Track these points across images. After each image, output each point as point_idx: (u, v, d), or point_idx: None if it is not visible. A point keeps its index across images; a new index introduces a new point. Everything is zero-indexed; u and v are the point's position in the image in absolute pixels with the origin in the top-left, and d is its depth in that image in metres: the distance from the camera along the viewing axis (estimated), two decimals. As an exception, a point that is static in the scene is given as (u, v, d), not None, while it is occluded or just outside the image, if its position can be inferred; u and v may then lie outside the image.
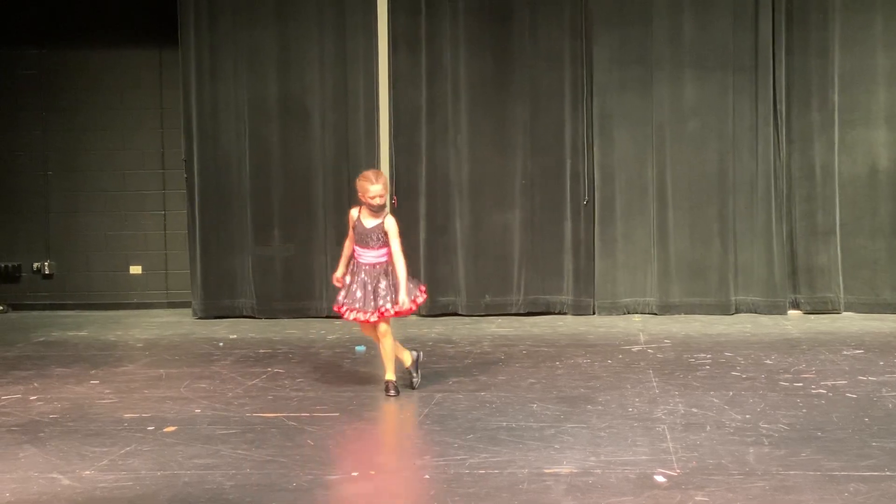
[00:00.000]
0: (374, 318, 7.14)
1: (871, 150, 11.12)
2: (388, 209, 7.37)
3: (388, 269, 7.19)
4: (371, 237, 7.19)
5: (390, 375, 7.27)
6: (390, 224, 7.22)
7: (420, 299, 7.33)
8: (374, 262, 7.19)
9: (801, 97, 11.15)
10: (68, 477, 5.32)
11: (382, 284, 7.14)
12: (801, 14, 11.12)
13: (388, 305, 7.12)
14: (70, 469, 5.46)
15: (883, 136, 11.10)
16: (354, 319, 7.22)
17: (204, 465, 5.50)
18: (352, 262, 7.31)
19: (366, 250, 7.20)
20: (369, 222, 7.21)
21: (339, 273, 7.36)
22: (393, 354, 7.32)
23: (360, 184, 7.21)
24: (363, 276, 7.18)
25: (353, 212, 7.33)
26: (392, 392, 7.17)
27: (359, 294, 7.16)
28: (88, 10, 12.12)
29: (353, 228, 7.29)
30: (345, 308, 7.22)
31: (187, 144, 11.61)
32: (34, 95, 12.27)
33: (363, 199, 7.22)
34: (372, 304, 7.13)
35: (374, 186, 7.16)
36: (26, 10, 12.17)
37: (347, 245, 7.41)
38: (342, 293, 7.27)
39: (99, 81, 12.22)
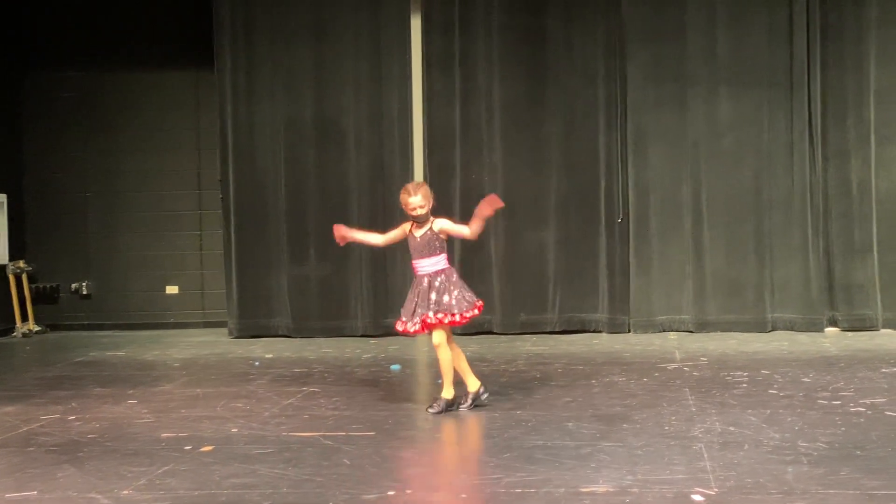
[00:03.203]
0: (414, 328, 7.13)
1: (909, 165, 11.04)
2: (431, 215, 7.33)
3: (442, 277, 7.16)
4: (424, 247, 7.19)
5: (445, 393, 7.23)
6: (441, 223, 7.23)
7: (470, 314, 7.25)
8: (432, 270, 7.17)
9: (836, 113, 11.09)
10: (107, 497, 5.35)
11: (433, 295, 7.13)
12: (837, 29, 11.08)
13: (431, 313, 7.10)
14: (108, 489, 5.49)
15: (920, 151, 11.02)
16: (402, 332, 7.23)
17: (241, 484, 5.51)
18: (413, 281, 7.30)
19: (421, 261, 7.21)
20: (419, 232, 7.23)
21: (347, 231, 7.44)
22: (450, 369, 7.26)
23: (402, 197, 7.24)
24: (417, 288, 7.18)
25: (406, 226, 7.34)
26: (435, 409, 7.15)
27: (409, 306, 7.17)
28: (127, 33, 12.29)
29: (409, 243, 7.29)
30: (398, 322, 7.25)
31: (223, 164, 11.70)
32: (74, 117, 12.44)
33: (407, 212, 7.24)
34: (417, 312, 7.13)
35: (413, 198, 7.17)
36: (67, 33, 12.34)
37: (384, 235, 7.45)
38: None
39: (137, 103, 12.37)
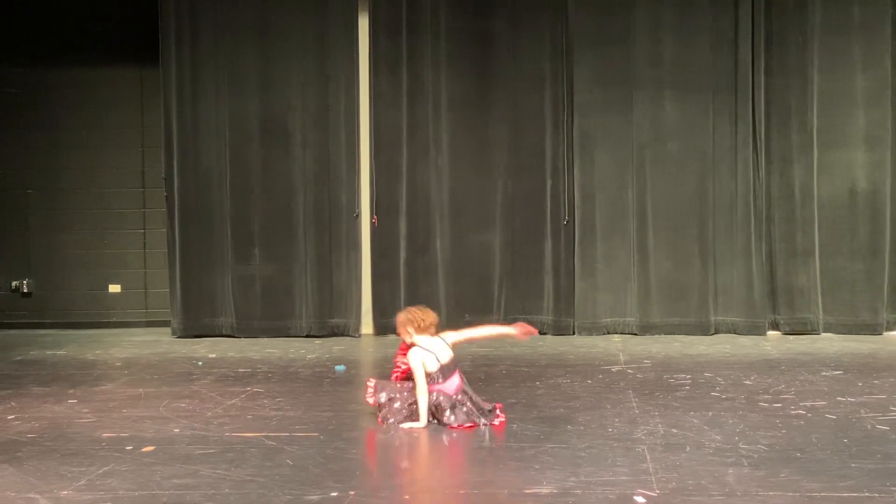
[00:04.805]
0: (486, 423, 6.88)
1: (850, 171, 11.19)
2: (410, 340, 7.01)
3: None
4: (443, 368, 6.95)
5: None
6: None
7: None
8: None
9: (780, 118, 11.22)
10: (46, 497, 5.28)
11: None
12: (781, 36, 11.20)
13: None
14: (48, 489, 5.42)
15: (861, 157, 11.17)
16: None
17: (182, 485, 5.47)
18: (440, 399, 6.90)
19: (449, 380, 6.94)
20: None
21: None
22: None
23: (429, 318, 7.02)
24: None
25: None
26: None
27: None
28: (71, 29, 12.12)
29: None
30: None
31: (167, 163, 11.59)
32: (16, 113, 12.25)
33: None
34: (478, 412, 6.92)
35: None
36: (10, 29, 12.15)
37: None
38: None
39: (80, 100, 12.21)
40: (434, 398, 6.79)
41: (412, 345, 6.92)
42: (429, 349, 6.86)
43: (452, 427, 6.69)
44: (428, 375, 6.80)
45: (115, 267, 12.26)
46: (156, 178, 11.92)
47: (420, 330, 6.92)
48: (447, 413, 6.74)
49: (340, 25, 11.52)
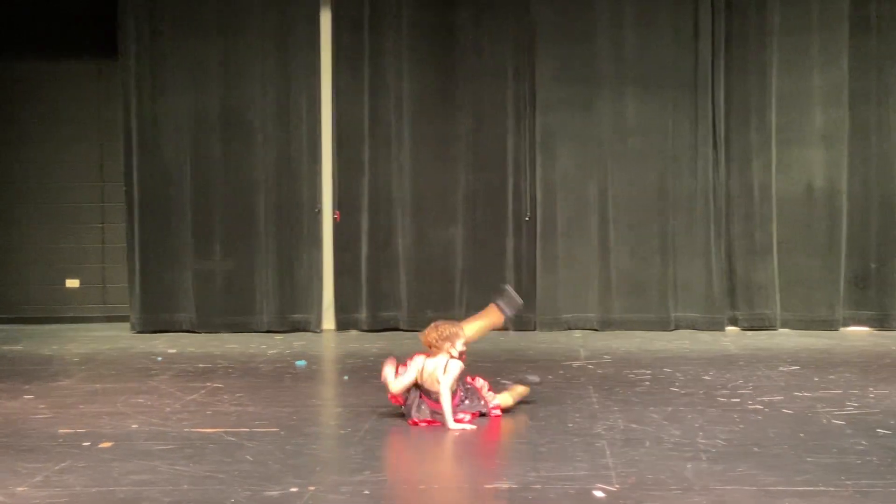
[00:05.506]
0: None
1: (808, 169, 11.30)
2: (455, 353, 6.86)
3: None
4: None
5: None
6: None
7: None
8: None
9: (739, 116, 11.30)
10: (1, 493, 5.22)
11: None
12: (740, 35, 11.28)
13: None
14: (3, 486, 5.36)
15: (819, 155, 11.27)
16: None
17: (140, 481, 5.42)
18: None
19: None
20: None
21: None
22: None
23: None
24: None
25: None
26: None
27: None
28: (26, 21, 11.98)
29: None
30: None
31: (126, 157, 11.50)
32: (-30, 107, 12.10)
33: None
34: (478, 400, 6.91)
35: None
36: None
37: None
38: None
39: (36, 93, 12.09)
40: (413, 396, 6.74)
41: (457, 356, 6.75)
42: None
43: (416, 421, 6.67)
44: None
45: (73, 261, 12.15)
46: (115, 172, 11.82)
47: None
48: (413, 409, 6.72)
49: (302, 19, 11.47)
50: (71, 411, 7.24)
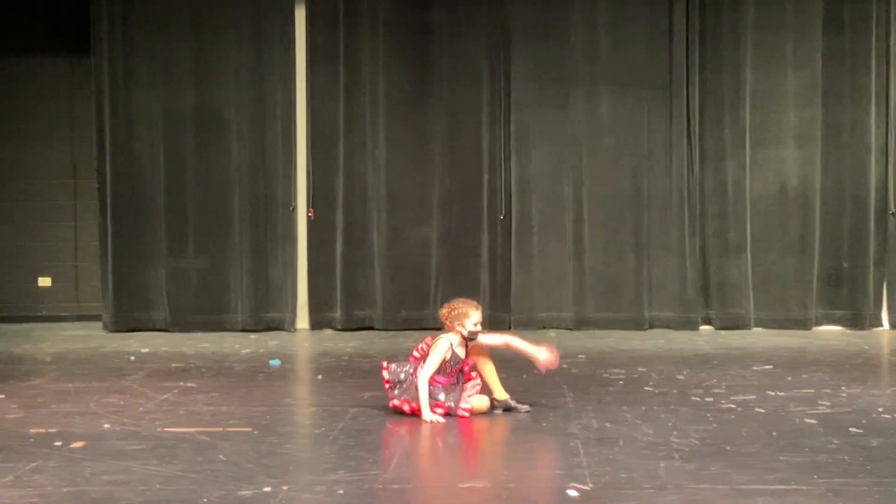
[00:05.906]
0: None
1: (781, 168, 11.35)
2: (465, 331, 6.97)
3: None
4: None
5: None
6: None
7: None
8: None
9: (713, 115, 11.34)
10: (-29, 494, 5.18)
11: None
12: (714, 34, 11.32)
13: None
14: (-27, 486, 5.32)
15: (792, 154, 11.33)
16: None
17: (113, 481, 5.39)
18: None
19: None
20: (461, 352, 6.95)
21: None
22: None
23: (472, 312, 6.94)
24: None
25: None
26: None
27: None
28: (-1, 16, 11.89)
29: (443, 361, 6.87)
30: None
31: (99, 154, 11.42)
32: (-58, 103, 11.99)
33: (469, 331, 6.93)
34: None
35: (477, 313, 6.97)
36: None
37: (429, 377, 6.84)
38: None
39: (8, 90, 11.98)
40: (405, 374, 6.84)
41: (469, 335, 6.88)
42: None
43: (398, 405, 6.76)
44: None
45: (45, 260, 12.06)
46: (87, 170, 11.74)
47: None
48: (396, 391, 6.79)
49: (277, 16, 11.43)
50: (42, 411, 7.19)
